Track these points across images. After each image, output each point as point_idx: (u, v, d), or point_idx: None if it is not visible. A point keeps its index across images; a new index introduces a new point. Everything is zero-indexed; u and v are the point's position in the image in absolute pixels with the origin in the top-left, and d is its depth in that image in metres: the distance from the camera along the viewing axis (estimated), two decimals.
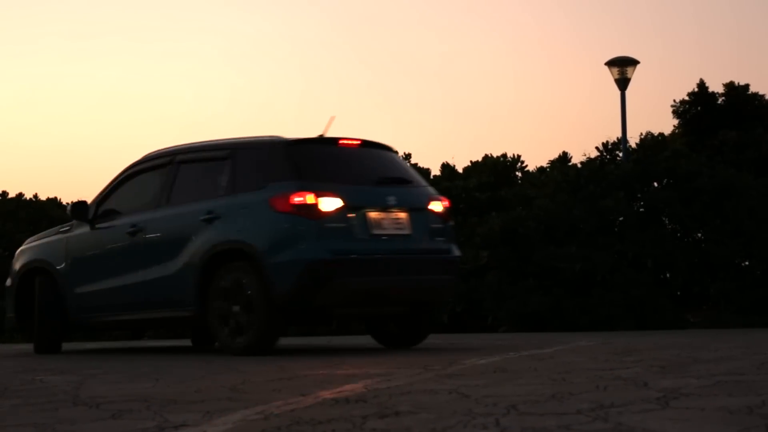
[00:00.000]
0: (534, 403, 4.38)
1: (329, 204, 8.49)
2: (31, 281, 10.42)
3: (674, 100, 21.83)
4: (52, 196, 17.71)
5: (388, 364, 7.10)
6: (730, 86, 21.66)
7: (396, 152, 9.59)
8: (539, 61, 38.00)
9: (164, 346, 11.83)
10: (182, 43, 36.60)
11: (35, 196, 17.46)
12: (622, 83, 18.58)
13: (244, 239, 8.60)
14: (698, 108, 21.51)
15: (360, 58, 37.89)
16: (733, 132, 19.55)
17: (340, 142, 9.08)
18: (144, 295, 9.39)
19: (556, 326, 14.40)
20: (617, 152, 19.39)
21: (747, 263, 14.11)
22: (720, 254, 13.75)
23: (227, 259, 8.76)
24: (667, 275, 14.58)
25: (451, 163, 22.45)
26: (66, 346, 10.97)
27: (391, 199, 8.86)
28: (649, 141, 19.07)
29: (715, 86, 22.54)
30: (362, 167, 9.06)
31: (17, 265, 10.69)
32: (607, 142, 19.52)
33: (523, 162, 22.48)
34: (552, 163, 21.59)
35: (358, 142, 9.17)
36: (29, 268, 10.49)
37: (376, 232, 8.70)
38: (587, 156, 19.37)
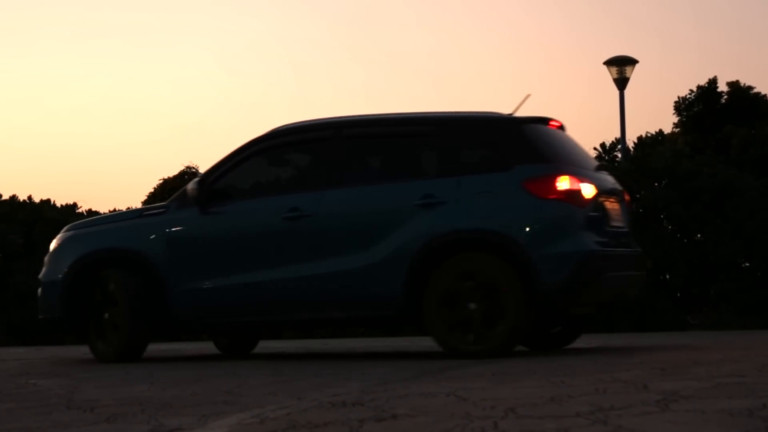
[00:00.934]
0: (532, 406, 4.34)
1: (588, 190, 7.62)
2: (91, 274, 8.59)
3: (678, 97, 21.86)
4: (45, 198, 17.67)
5: (385, 367, 7.06)
6: (734, 85, 21.68)
7: None
8: (537, 60, 38.02)
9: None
10: (176, 45, 36.61)
11: (29, 197, 17.42)
12: (621, 83, 18.57)
13: (494, 228, 7.43)
14: (701, 105, 21.53)
15: (353, 57, 37.92)
16: (738, 128, 19.57)
17: (551, 123, 8.16)
18: (311, 292, 7.85)
19: None
20: (616, 153, 19.38)
21: (747, 264, 14.06)
22: (720, 255, 13.70)
23: (454, 250, 7.53)
24: (667, 276, 14.53)
25: None
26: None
27: (615, 189, 8.17)
28: (648, 140, 19.09)
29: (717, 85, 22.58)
30: (576, 151, 8.17)
31: (68, 254, 8.71)
32: (604, 143, 19.53)
33: None
34: None
35: (559, 123, 8.28)
36: (95, 259, 8.60)
37: (614, 224, 7.97)
38: None
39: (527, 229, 7.40)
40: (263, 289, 7.98)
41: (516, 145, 7.71)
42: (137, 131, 36.38)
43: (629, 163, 16.56)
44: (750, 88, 21.50)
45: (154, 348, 11.30)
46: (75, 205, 17.77)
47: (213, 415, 4.48)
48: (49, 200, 17.63)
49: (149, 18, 36.71)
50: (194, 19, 37.02)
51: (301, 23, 37.54)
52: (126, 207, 17.59)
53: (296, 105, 37.11)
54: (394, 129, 8.16)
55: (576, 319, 8.62)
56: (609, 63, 18.62)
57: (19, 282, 15.73)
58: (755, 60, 35.78)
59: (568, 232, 7.44)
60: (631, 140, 16.85)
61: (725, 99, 21.64)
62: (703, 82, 21.77)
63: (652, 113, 37.18)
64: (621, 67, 18.56)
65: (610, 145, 19.74)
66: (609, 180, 8.29)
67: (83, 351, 11.43)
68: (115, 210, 16.97)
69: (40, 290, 8.90)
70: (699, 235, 14.36)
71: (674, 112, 21.97)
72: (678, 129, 21.87)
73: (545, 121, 8.10)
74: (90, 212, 17.43)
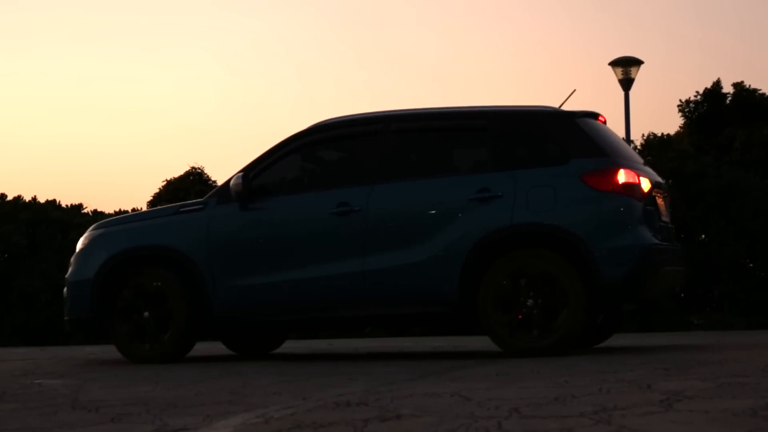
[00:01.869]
0: (536, 406, 4.34)
1: (646, 184, 7.61)
2: (123, 273, 8.28)
3: (680, 100, 21.83)
4: (51, 198, 17.66)
5: (390, 367, 7.06)
6: (739, 86, 21.65)
7: None
8: (542, 61, 37.99)
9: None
10: (180, 46, 36.63)
11: (34, 198, 17.42)
12: (626, 83, 18.54)
13: (554, 221, 7.34)
14: (705, 106, 21.50)
15: (356, 58, 37.89)
16: (739, 130, 19.56)
17: (599, 118, 8.11)
18: (360, 289, 7.66)
19: None
20: None
21: (752, 265, 14.05)
22: (724, 256, 13.69)
23: (511, 245, 7.43)
24: None
25: None
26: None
27: (662, 183, 8.12)
28: (654, 141, 19.06)
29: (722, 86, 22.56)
30: (624, 146, 8.14)
31: (99, 253, 8.37)
32: None
33: None
34: None
35: (604, 118, 8.21)
36: (131, 257, 8.29)
37: (663, 219, 7.96)
38: None
39: (587, 222, 7.34)
40: (309, 286, 7.79)
41: (572, 139, 7.62)
42: (141, 132, 36.37)
43: None
44: (755, 90, 21.49)
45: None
46: (80, 205, 17.76)
47: (218, 415, 4.48)
48: (54, 201, 17.62)
49: (153, 20, 36.73)
50: (198, 21, 37.04)
51: (304, 24, 37.55)
52: (131, 208, 17.61)
53: (299, 105, 37.11)
54: (446, 123, 8.02)
55: (615, 316, 8.58)
56: (614, 63, 18.59)
57: (23, 283, 15.75)
58: (760, 61, 35.74)
59: (628, 225, 7.39)
60: (638, 140, 16.80)
61: (730, 100, 21.62)
62: (708, 83, 21.79)
63: (657, 114, 37.15)
64: (626, 67, 18.53)
65: None
66: (655, 174, 8.25)
67: (88, 351, 11.41)
68: (120, 211, 16.98)
69: (66, 290, 8.56)
70: (703, 236, 14.34)
71: (680, 113, 21.95)
72: (683, 130, 21.85)
73: (595, 115, 8.05)
74: (95, 213, 17.42)
